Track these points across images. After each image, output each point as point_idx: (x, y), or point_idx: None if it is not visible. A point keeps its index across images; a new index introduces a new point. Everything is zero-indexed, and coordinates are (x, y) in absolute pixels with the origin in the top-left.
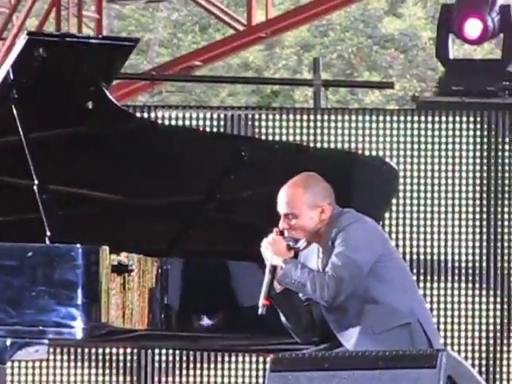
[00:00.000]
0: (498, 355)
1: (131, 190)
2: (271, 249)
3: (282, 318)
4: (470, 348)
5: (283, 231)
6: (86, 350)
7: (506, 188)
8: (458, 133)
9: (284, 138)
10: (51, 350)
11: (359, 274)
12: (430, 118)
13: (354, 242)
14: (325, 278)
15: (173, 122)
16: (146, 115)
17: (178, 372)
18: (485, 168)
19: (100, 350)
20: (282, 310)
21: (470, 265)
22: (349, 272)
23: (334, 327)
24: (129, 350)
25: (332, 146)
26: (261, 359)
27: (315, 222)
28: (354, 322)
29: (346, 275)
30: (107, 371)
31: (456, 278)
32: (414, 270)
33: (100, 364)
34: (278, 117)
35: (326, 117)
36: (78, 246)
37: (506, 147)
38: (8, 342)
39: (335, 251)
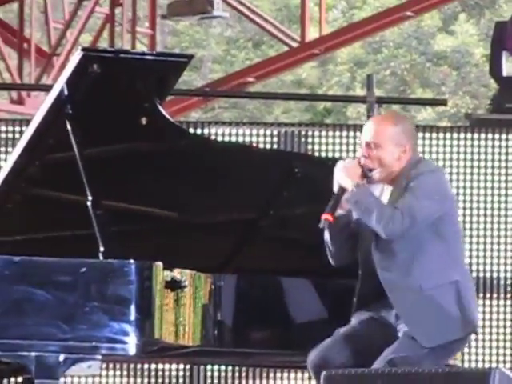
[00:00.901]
0: None
1: (184, 207)
2: (345, 171)
3: (327, 238)
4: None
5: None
6: (139, 366)
7: None
8: (511, 150)
9: (337, 154)
10: (104, 364)
11: (423, 220)
12: (483, 136)
13: (428, 189)
14: (393, 211)
15: (226, 139)
16: (199, 131)
17: None
18: None
19: (153, 366)
20: (333, 231)
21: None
22: (415, 214)
23: (380, 267)
24: (181, 366)
25: None
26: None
27: (394, 159)
28: (400, 268)
29: (412, 215)
30: None
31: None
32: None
33: (152, 380)
34: (331, 133)
35: None
36: (132, 261)
37: None
38: (61, 357)
39: (407, 192)
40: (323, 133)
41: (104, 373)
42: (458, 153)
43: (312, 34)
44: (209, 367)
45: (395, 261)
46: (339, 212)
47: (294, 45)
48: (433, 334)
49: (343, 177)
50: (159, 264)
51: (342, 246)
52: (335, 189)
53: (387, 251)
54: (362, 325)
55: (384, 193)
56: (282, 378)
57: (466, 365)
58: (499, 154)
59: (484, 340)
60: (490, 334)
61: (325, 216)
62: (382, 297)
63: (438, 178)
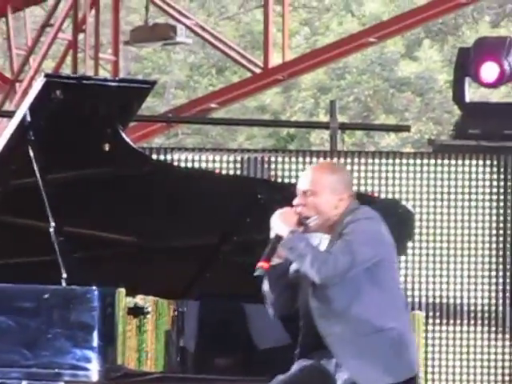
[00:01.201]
0: None
1: (147, 232)
2: (281, 218)
3: (266, 288)
4: None
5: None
6: None
7: None
8: (474, 176)
9: None
10: None
11: (357, 266)
12: (446, 162)
13: (363, 236)
14: (326, 255)
15: (189, 165)
16: (162, 157)
17: None
18: (501, 211)
19: None
20: (270, 279)
21: (486, 308)
22: (349, 260)
23: (317, 315)
24: None
25: None
26: None
27: (331, 207)
28: (337, 316)
29: (346, 261)
30: None
31: (472, 321)
32: (431, 313)
33: None
34: (294, 159)
35: (342, 160)
36: (94, 288)
37: None
38: None
39: (342, 238)
40: (286, 159)
41: None
42: (422, 179)
43: (275, 60)
44: None
45: (332, 308)
46: (276, 260)
47: (258, 71)
48: (374, 378)
49: (279, 224)
50: (122, 290)
51: (280, 296)
52: (271, 236)
53: (324, 299)
54: (302, 372)
55: (322, 242)
56: None
57: None
58: (462, 179)
59: (447, 366)
60: (454, 360)
61: (260, 264)
62: (322, 346)
63: (373, 224)
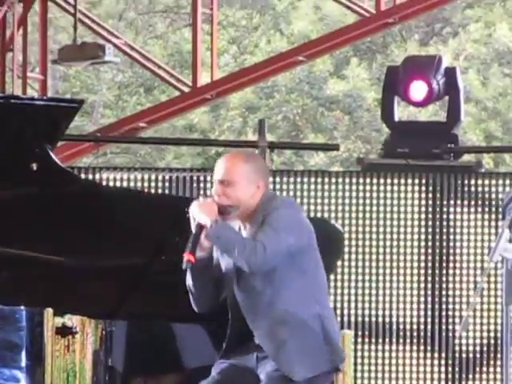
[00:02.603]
0: None
1: (76, 252)
2: (202, 208)
3: (189, 282)
4: None
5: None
6: None
7: (451, 250)
8: (402, 195)
9: None
10: None
11: (283, 251)
12: (375, 180)
13: (285, 223)
14: (254, 243)
15: (117, 184)
16: (90, 177)
17: None
18: (430, 230)
19: None
20: (194, 274)
21: (415, 327)
22: (275, 246)
23: (243, 308)
24: None
25: None
26: None
27: (248, 196)
28: (265, 308)
29: (273, 247)
30: None
31: (401, 340)
32: (360, 332)
33: None
34: None
35: (271, 179)
36: (22, 308)
37: (451, 209)
38: None
39: (265, 226)
40: None
41: None
42: (350, 197)
43: (204, 78)
44: None
45: (258, 298)
46: (199, 254)
47: (186, 90)
48: (302, 368)
49: (200, 214)
50: (50, 310)
51: (204, 290)
52: (193, 228)
53: (249, 290)
54: (221, 375)
55: (241, 231)
56: None
57: None
58: (391, 198)
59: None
60: (383, 378)
61: (187, 257)
62: (249, 338)
63: (293, 211)
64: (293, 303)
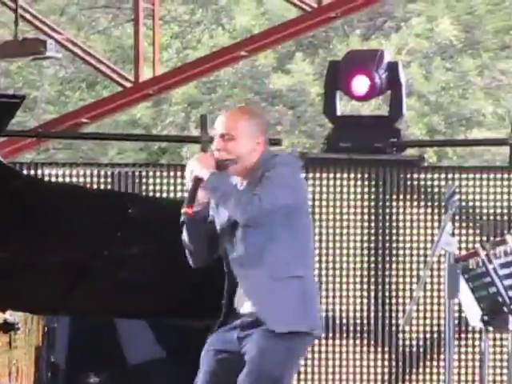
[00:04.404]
0: None
1: (16, 248)
2: (200, 162)
3: (185, 237)
4: None
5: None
6: None
7: (394, 244)
8: (345, 189)
9: (172, 194)
10: None
11: (279, 207)
12: (318, 175)
13: (283, 181)
14: (251, 196)
15: (60, 180)
16: (32, 172)
17: None
18: (373, 224)
19: None
20: (190, 228)
21: (359, 321)
22: (272, 200)
23: (233, 261)
24: None
25: None
26: None
27: (248, 152)
28: (252, 259)
29: (269, 201)
30: None
31: (345, 334)
32: None
33: None
34: (165, 174)
35: None
36: None
37: (394, 204)
38: None
39: (264, 181)
40: (158, 173)
41: None
42: None
43: (146, 74)
44: None
45: (248, 251)
46: (196, 208)
47: (128, 85)
48: (280, 320)
49: (198, 167)
50: None
51: (200, 245)
52: (189, 183)
53: (241, 243)
54: (212, 370)
55: (239, 187)
56: None
57: None
58: (334, 192)
59: (320, 380)
60: (327, 373)
61: (184, 209)
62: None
63: (293, 170)
64: (278, 259)
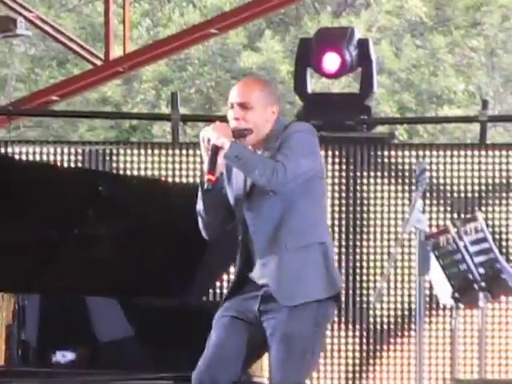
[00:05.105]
0: None
1: None
2: (218, 130)
3: (200, 209)
4: (329, 382)
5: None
6: None
7: (365, 222)
8: None
9: (142, 172)
10: None
11: (301, 174)
12: None
13: (304, 147)
14: (276, 163)
15: (30, 158)
16: (2, 150)
17: None
18: (343, 202)
19: None
20: (205, 199)
21: None
22: (295, 168)
23: (251, 230)
24: None
25: (191, 180)
26: None
27: (264, 120)
28: (270, 229)
29: (293, 168)
30: None
31: None
32: None
33: None
34: (136, 151)
35: (184, 151)
36: None
37: (365, 181)
38: None
39: (284, 149)
40: (128, 151)
41: None
42: None
43: (116, 52)
44: None
45: (265, 221)
46: (217, 174)
47: (99, 63)
48: (295, 293)
49: (217, 136)
50: None
51: (215, 216)
52: (207, 153)
53: (258, 212)
54: (228, 335)
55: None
56: None
57: None
58: None
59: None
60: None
61: (208, 176)
62: (252, 279)
63: (310, 137)
64: (297, 228)
